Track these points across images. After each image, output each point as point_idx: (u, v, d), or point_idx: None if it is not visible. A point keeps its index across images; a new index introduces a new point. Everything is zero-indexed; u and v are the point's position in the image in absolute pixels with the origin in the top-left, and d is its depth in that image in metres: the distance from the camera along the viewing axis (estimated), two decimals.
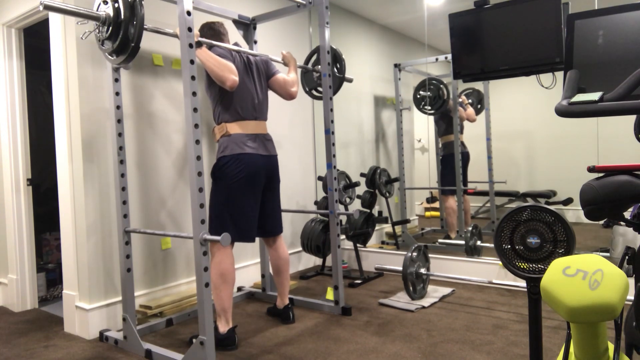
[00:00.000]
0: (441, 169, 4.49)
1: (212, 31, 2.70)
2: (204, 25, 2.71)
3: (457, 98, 4.28)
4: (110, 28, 1.96)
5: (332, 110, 2.89)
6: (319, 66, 3.20)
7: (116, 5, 1.94)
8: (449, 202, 4.40)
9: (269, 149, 2.67)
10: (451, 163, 4.32)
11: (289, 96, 2.78)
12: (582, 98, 1.19)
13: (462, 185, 4.29)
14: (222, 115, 2.58)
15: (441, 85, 4.35)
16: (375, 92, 4.84)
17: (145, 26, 2.07)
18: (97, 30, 2.05)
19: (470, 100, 4.38)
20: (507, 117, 4.30)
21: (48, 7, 1.85)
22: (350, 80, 3.39)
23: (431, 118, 4.62)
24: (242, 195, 2.54)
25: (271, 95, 3.87)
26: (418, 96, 4.49)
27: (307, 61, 3.39)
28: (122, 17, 1.91)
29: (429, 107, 4.42)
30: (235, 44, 2.72)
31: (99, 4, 2.03)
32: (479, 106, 4.37)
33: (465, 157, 4.34)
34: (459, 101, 4.31)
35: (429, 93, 4.38)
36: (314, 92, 3.43)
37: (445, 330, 2.56)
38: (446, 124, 4.40)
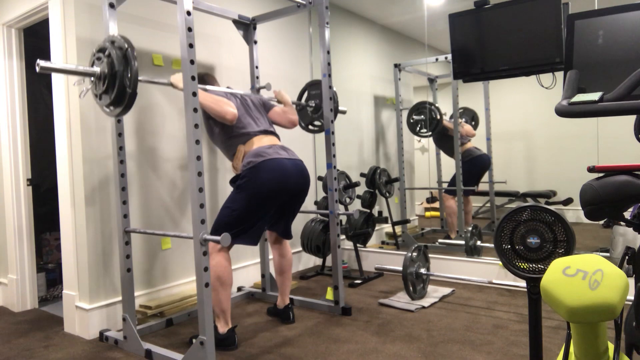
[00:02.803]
0: (459, 172, 4.43)
1: (202, 80, 2.80)
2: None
3: (457, 111, 4.26)
4: (106, 81, 2.02)
5: (332, 110, 2.89)
6: (312, 101, 3.24)
7: (109, 59, 2.00)
8: (450, 202, 4.40)
9: (291, 154, 2.59)
10: (469, 168, 4.28)
11: (290, 123, 2.80)
12: (582, 98, 1.19)
13: (472, 187, 4.27)
14: (234, 145, 2.56)
15: (432, 107, 4.39)
16: (375, 92, 4.84)
17: (139, 78, 2.14)
18: (94, 86, 2.10)
19: (463, 119, 4.40)
20: (507, 117, 4.30)
21: (45, 69, 1.91)
22: (344, 112, 3.43)
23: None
24: (261, 207, 2.46)
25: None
26: (412, 121, 4.51)
27: (299, 97, 3.39)
28: (117, 68, 1.98)
29: (425, 130, 4.44)
30: (228, 87, 2.78)
31: (93, 61, 2.09)
32: (472, 122, 4.39)
33: (486, 161, 4.30)
34: (449, 118, 4.33)
35: (422, 117, 4.41)
36: (311, 127, 3.41)
37: (445, 330, 2.56)
38: (449, 141, 4.37)
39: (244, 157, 2.52)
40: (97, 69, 2.05)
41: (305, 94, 3.35)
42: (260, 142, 2.55)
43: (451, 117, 4.29)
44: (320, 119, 3.24)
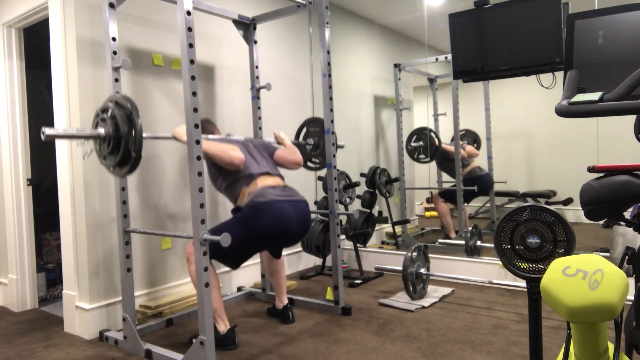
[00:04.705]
0: (460, 186, 4.44)
1: (202, 127, 2.74)
2: None
3: (458, 134, 4.26)
4: (111, 143, 2.02)
5: (332, 110, 2.89)
6: (310, 139, 3.26)
7: (114, 120, 2.00)
8: (440, 204, 4.44)
9: (295, 195, 2.58)
10: (471, 186, 4.32)
11: (295, 164, 2.80)
12: (582, 98, 1.19)
13: (471, 188, 4.29)
14: (237, 188, 2.55)
15: (431, 133, 4.44)
16: (375, 92, 4.84)
17: (144, 135, 2.13)
18: (98, 147, 2.11)
19: (465, 141, 4.41)
20: (507, 117, 4.30)
21: (51, 137, 1.91)
22: (341, 147, 3.42)
23: (431, 119, 4.63)
24: (256, 246, 2.49)
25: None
26: (410, 147, 4.55)
27: (297, 134, 3.39)
28: (121, 131, 1.97)
29: (424, 156, 4.47)
30: (228, 135, 2.78)
31: (97, 122, 2.09)
32: (475, 144, 4.43)
33: (488, 181, 4.31)
34: (450, 141, 4.36)
35: (420, 143, 4.47)
36: (310, 164, 3.40)
37: (445, 330, 2.56)
38: (451, 164, 4.38)
39: (246, 197, 2.50)
40: (101, 131, 2.04)
41: (304, 131, 3.34)
42: (263, 183, 2.54)
43: (452, 139, 4.30)
44: (320, 156, 3.24)
